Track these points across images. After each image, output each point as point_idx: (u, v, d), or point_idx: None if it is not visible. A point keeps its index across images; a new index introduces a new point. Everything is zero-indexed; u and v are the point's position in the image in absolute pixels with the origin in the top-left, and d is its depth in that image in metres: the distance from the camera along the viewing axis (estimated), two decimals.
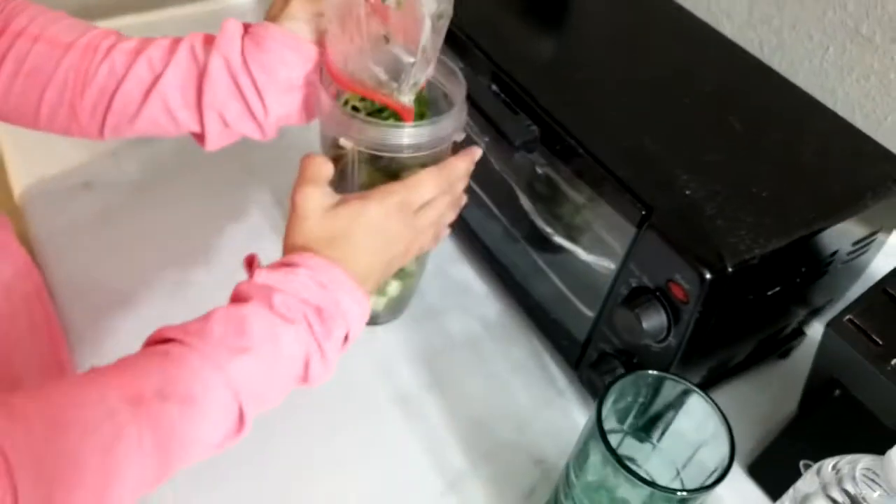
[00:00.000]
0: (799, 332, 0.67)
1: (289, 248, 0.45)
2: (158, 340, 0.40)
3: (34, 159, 0.78)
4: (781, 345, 0.67)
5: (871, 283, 0.52)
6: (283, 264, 0.43)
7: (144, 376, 0.36)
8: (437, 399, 0.63)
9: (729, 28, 0.76)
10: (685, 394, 0.47)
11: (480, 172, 0.66)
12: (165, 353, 0.38)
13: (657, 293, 0.51)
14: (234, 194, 0.78)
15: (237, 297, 0.42)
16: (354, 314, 0.44)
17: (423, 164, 0.53)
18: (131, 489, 0.36)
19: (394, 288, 0.65)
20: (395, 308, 0.67)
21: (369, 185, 0.56)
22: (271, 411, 0.59)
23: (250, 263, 0.44)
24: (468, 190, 0.57)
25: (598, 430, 0.43)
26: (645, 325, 0.51)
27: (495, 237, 0.70)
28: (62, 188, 0.76)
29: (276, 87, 0.50)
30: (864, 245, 0.59)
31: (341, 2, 0.46)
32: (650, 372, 0.46)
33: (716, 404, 0.45)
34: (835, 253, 0.56)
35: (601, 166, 0.53)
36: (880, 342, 0.48)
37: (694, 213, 0.50)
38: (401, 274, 0.64)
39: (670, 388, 0.48)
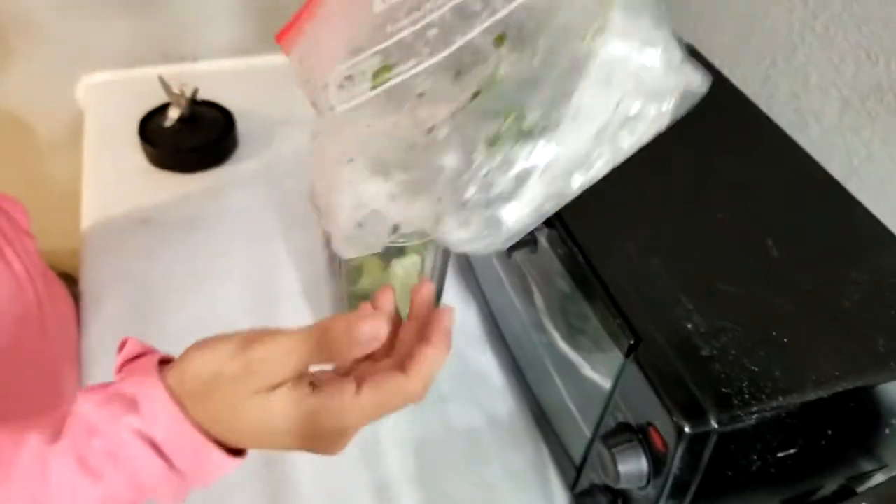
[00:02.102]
0: (849, 492, 0.56)
1: (184, 359, 0.36)
2: None
3: (106, 197, 0.83)
4: None
5: None
6: (127, 398, 0.35)
7: None
8: (417, 494, 0.59)
9: (817, 130, 0.68)
10: None
11: (504, 259, 0.63)
12: None
13: (639, 435, 0.45)
14: (291, 242, 0.78)
15: (73, 415, 0.35)
16: (202, 473, 0.36)
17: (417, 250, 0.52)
18: None
19: None
20: None
21: (360, 266, 0.55)
22: (234, 482, 0.57)
23: (130, 357, 0.38)
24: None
25: None
26: (621, 468, 0.45)
27: (514, 330, 0.66)
28: (122, 223, 0.80)
29: None
30: None
31: None
32: None
33: None
34: (878, 417, 0.47)
35: (598, 281, 0.48)
36: None
37: (687, 352, 0.43)
38: None
39: None
